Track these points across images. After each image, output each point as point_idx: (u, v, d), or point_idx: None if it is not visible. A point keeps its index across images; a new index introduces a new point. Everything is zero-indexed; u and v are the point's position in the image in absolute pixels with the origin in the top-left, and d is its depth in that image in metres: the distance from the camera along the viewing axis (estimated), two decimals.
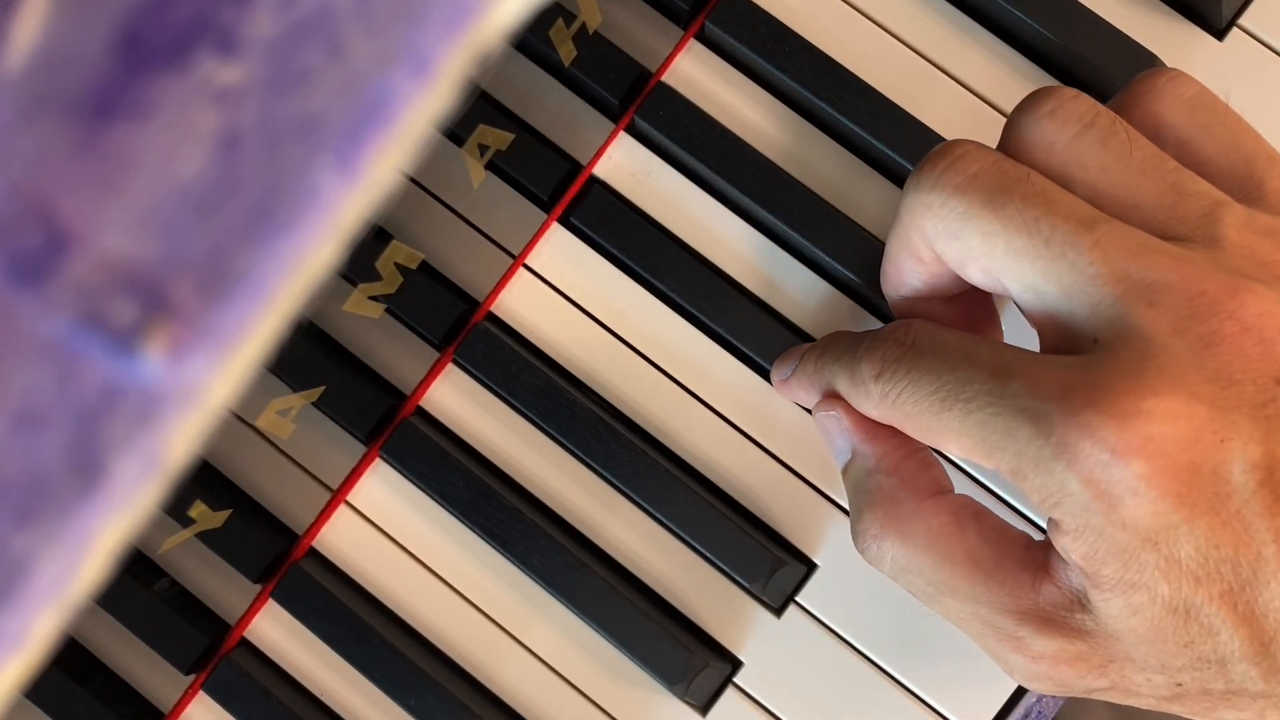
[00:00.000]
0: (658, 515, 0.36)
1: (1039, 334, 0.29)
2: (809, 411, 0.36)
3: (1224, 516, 0.25)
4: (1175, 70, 0.30)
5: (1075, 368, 0.26)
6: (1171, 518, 0.25)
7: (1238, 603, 0.26)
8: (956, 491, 0.32)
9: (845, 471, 0.33)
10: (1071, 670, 0.29)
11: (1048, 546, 0.29)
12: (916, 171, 0.29)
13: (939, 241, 0.29)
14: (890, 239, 0.31)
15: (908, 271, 0.31)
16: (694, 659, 0.35)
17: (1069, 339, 0.27)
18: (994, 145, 0.36)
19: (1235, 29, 0.36)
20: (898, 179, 0.37)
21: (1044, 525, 0.35)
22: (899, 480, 0.31)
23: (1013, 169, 0.28)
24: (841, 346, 0.32)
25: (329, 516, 0.38)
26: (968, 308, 0.33)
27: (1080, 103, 0.29)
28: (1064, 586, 0.28)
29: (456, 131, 0.38)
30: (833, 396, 0.32)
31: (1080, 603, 0.28)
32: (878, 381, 0.30)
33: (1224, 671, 0.27)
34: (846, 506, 0.36)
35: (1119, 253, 0.27)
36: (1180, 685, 0.28)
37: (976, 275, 0.29)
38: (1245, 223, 0.27)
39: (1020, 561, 0.29)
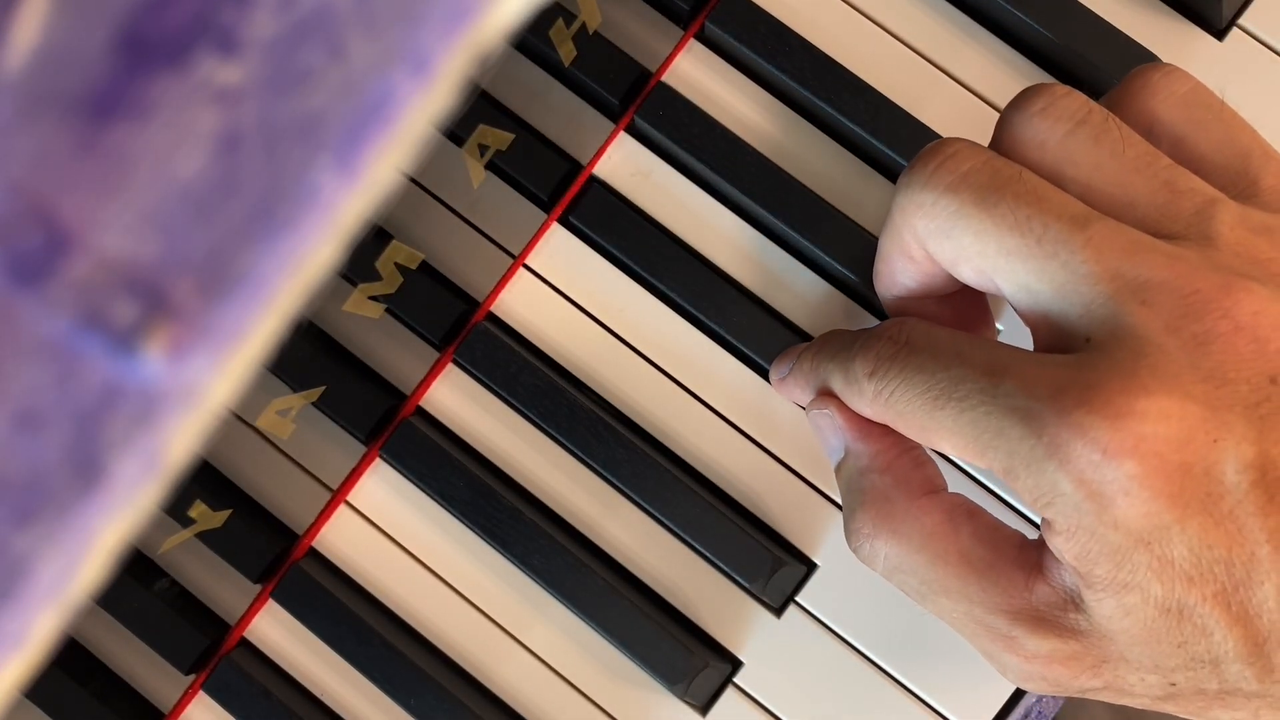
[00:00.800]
0: (658, 515, 0.36)
1: (1032, 333, 0.29)
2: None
3: (1217, 517, 0.25)
4: (1170, 65, 0.30)
5: (1068, 367, 0.26)
6: (1164, 518, 0.25)
7: (1231, 603, 0.26)
8: (953, 489, 0.32)
9: (838, 470, 0.33)
10: (1065, 670, 0.29)
11: (1041, 546, 0.29)
12: (908, 170, 0.29)
13: (931, 241, 0.29)
14: (882, 238, 0.31)
15: (900, 270, 0.31)
16: (694, 659, 0.35)
17: (1062, 338, 0.27)
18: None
19: (1235, 29, 0.36)
20: (897, 179, 0.37)
21: (1036, 518, 0.35)
22: (892, 479, 0.31)
23: (1005, 167, 0.28)
24: (836, 345, 0.32)
25: (329, 516, 0.38)
26: (961, 307, 0.33)
27: (1072, 100, 0.29)
28: (1057, 586, 0.28)
29: (456, 131, 0.38)
30: (827, 395, 0.32)
31: (1073, 602, 0.28)
32: (871, 379, 0.30)
33: (1218, 672, 0.27)
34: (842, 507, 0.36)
35: (1112, 251, 0.26)
36: (1174, 685, 0.28)
37: (969, 274, 0.29)
38: (1239, 220, 0.27)
39: (1014, 561, 0.29)
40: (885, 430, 0.31)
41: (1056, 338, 0.27)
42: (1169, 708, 0.29)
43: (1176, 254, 0.27)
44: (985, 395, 0.27)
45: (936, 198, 0.28)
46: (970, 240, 0.28)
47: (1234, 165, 0.29)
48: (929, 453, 0.32)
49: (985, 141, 0.31)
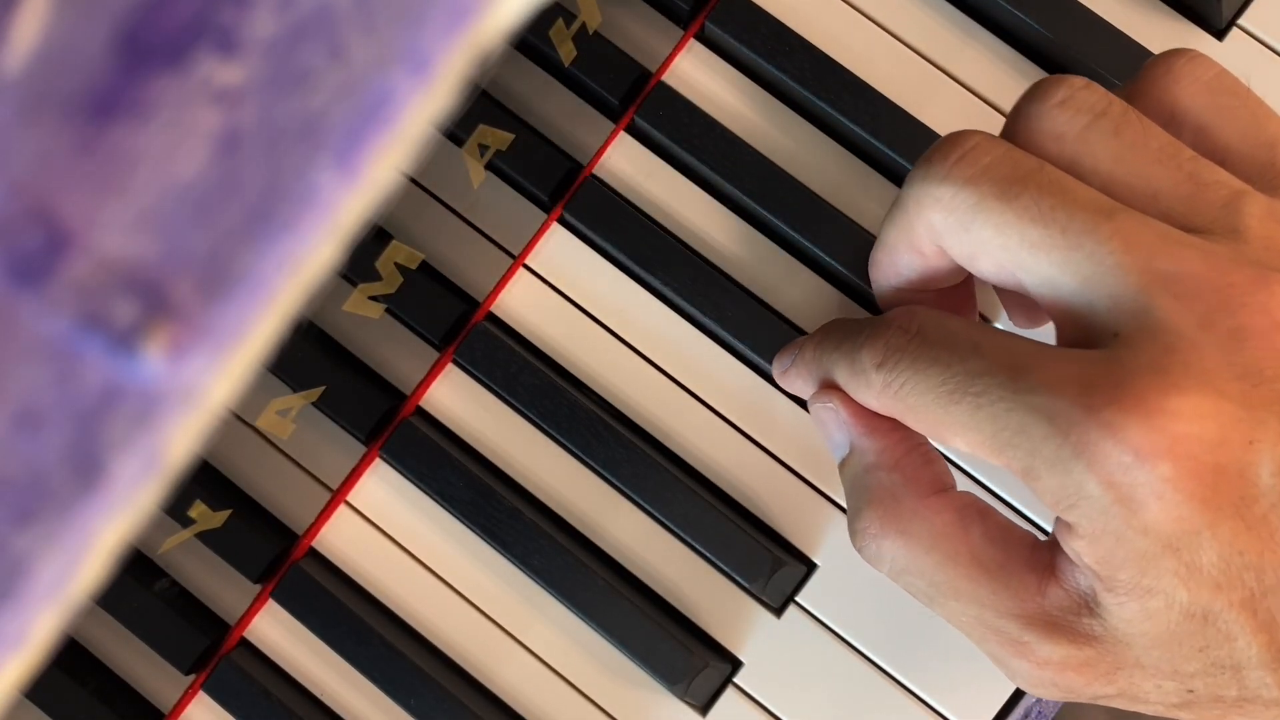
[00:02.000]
0: (658, 515, 0.36)
1: (1056, 327, 0.28)
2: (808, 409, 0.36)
3: (1249, 521, 0.24)
4: (1193, 51, 0.29)
5: (1095, 363, 0.25)
6: (1195, 522, 0.24)
7: (1258, 610, 0.25)
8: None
9: (843, 466, 0.32)
10: (1079, 677, 0.28)
11: (1054, 547, 0.28)
12: (925, 163, 0.28)
13: (948, 235, 0.28)
14: (887, 229, 0.30)
15: (904, 263, 0.30)
16: (694, 659, 0.35)
17: (1086, 332, 0.26)
18: None
19: (1235, 29, 0.36)
20: (898, 179, 0.37)
21: (1041, 521, 0.35)
22: (901, 477, 0.30)
23: (1025, 159, 0.27)
24: (840, 334, 0.31)
25: (329, 516, 0.38)
26: (950, 295, 0.32)
27: (1091, 92, 0.28)
28: (1071, 590, 0.27)
29: (456, 131, 0.38)
30: (831, 387, 0.31)
31: (1088, 607, 0.27)
32: (879, 370, 0.29)
33: (1238, 678, 0.26)
34: (846, 505, 0.36)
35: (1140, 243, 0.25)
36: (1191, 692, 0.27)
37: (987, 268, 0.28)
38: (1268, 212, 0.26)
39: (1025, 563, 0.28)
40: (892, 425, 0.30)
41: (1080, 332, 0.27)
42: (1184, 715, 0.28)
43: (1207, 247, 0.26)
44: (1005, 391, 0.26)
45: (955, 191, 0.27)
46: (991, 234, 0.27)
47: (1260, 155, 0.28)
48: (938, 449, 0.32)
49: None
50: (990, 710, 0.35)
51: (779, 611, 0.36)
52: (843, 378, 0.30)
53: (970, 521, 0.29)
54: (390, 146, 0.17)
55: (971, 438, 0.27)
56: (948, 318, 0.28)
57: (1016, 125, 0.29)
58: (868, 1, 0.37)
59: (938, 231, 0.28)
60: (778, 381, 0.35)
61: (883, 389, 0.29)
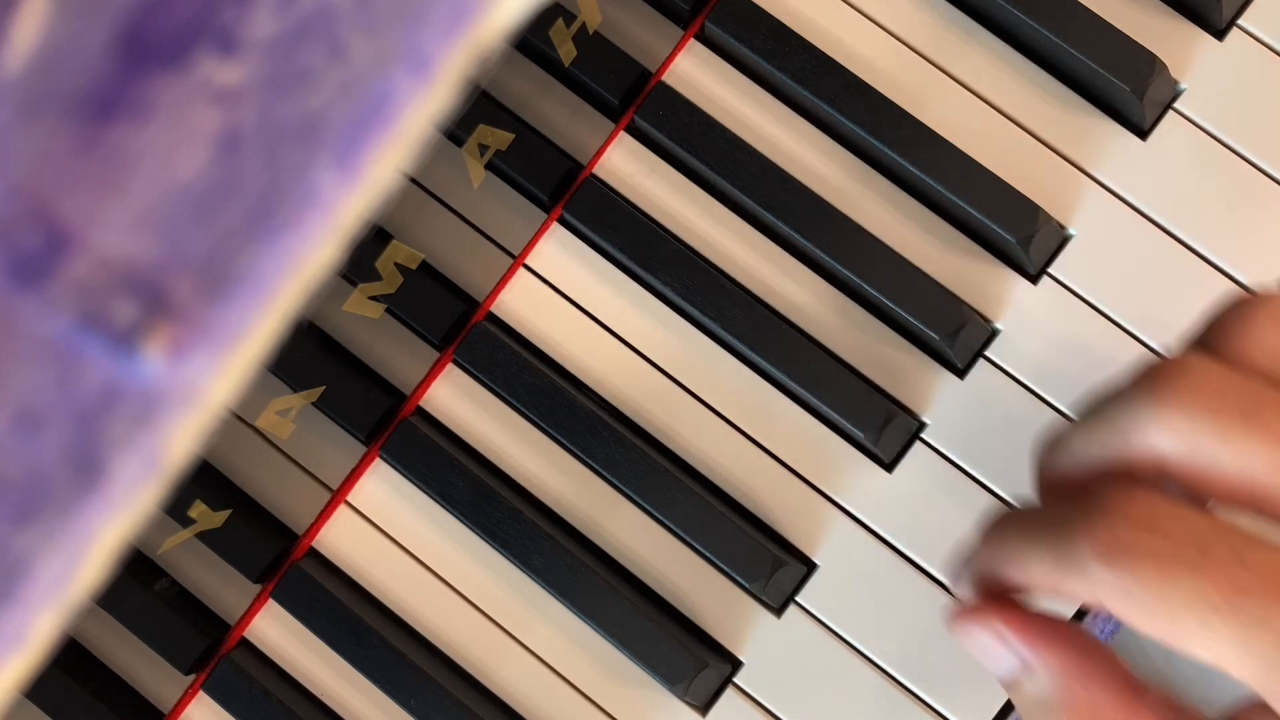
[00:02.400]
0: (658, 515, 0.36)
1: None
2: (810, 414, 0.36)
3: None
4: None
5: None
6: None
7: None
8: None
9: (1016, 686, 0.29)
10: None
11: None
12: (1149, 386, 0.27)
13: (1180, 460, 0.27)
14: (1085, 445, 0.29)
15: (1088, 466, 0.29)
16: (694, 659, 0.35)
17: None
18: (1001, 150, 0.36)
19: (1235, 29, 0.36)
20: (898, 179, 0.37)
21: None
22: (1099, 689, 0.28)
23: (1251, 382, 0.27)
24: (1029, 525, 0.28)
25: (329, 516, 0.38)
26: None
27: None
28: None
29: (456, 131, 0.38)
30: (993, 590, 0.29)
31: None
32: (1106, 566, 0.26)
33: None
34: (847, 507, 0.36)
35: None
36: None
37: (1219, 488, 0.26)
38: None
39: None
40: (1060, 632, 0.28)
41: None
42: None
43: None
44: None
45: (1193, 422, 0.26)
46: (1232, 458, 0.26)
47: None
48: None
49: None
50: (990, 710, 0.35)
51: (779, 611, 0.36)
52: (1043, 568, 0.28)
53: None
54: (390, 146, 0.17)
55: (1231, 655, 0.25)
56: (1182, 509, 0.26)
57: (1227, 342, 0.28)
58: (868, 1, 0.37)
59: (1165, 454, 0.27)
60: (956, 594, 0.32)
61: (1107, 586, 0.26)
